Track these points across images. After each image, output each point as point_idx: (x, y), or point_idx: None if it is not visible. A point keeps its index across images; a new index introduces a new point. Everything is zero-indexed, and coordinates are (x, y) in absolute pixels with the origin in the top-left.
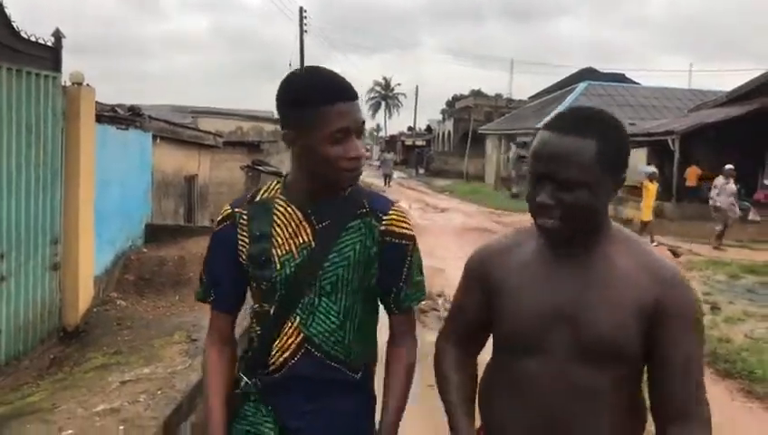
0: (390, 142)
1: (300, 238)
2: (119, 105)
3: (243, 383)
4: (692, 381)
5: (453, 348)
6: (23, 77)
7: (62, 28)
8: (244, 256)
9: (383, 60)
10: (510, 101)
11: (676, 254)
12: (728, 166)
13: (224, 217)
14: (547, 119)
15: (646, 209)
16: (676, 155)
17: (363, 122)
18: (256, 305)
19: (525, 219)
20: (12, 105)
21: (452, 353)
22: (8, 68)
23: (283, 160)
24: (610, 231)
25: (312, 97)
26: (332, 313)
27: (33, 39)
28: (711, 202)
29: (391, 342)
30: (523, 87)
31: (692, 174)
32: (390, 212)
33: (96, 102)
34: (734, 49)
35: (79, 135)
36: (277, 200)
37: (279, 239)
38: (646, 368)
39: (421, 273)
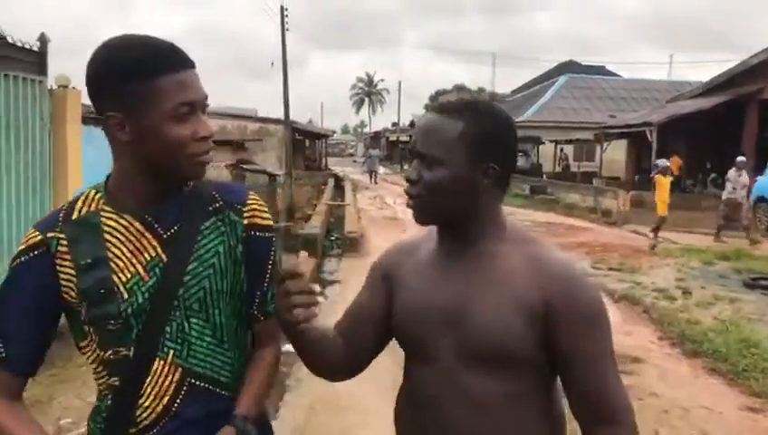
0: (375, 138)
1: (145, 255)
2: None
3: None
4: (601, 384)
5: (333, 331)
6: (10, 81)
7: (35, 29)
8: (72, 294)
9: (365, 57)
10: (493, 95)
11: (653, 247)
12: (740, 157)
13: (29, 245)
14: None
15: (660, 204)
16: (654, 146)
17: (207, 96)
18: (108, 352)
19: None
20: (0, 109)
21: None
22: None
23: (267, 159)
24: (505, 231)
25: (146, 66)
26: (207, 333)
27: (19, 44)
28: (728, 197)
29: (254, 349)
30: (507, 81)
31: (674, 164)
32: (249, 202)
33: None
34: (712, 40)
35: (66, 137)
36: (103, 213)
37: (119, 262)
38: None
39: None
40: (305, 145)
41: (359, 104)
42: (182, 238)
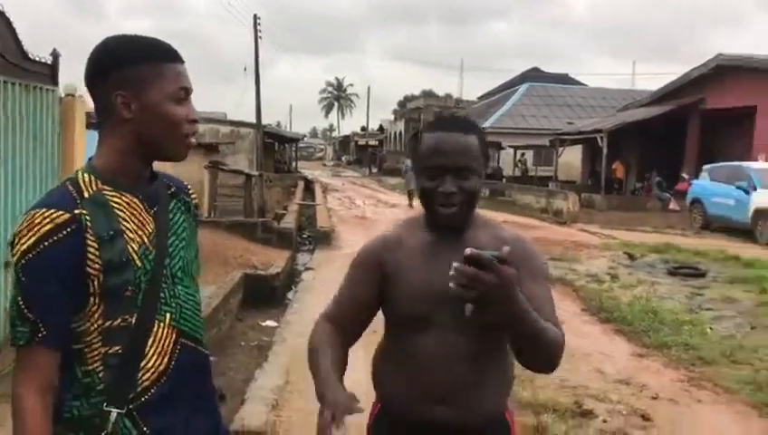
0: (344, 142)
1: (147, 228)
2: None
3: (112, 421)
4: (552, 312)
5: (329, 325)
6: (30, 91)
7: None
8: (97, 265)
9: (333, 61)
10: (459, 101)
11: (632, 257)
12: None
13: (59, 224)
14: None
15: None
16: (605, 151)
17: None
18: (115, 321)
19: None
20: (23, 116)
21: (327, 329)
22: (20, 84)
23: (238, 161)
24: (477, 219)
25: (153, 53)
26: (190, 297)
27: (37, 59)
28: None
29: None
30: (474, 88)
31: (617, 169)
32: (190, 188)
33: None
34: (673, 51)
35: (73, 139)
36: (105, 192)
37: (130, 234)
38: None
39: None
40: (275, 148)
41: (328, 108)
42: (161, 216)
